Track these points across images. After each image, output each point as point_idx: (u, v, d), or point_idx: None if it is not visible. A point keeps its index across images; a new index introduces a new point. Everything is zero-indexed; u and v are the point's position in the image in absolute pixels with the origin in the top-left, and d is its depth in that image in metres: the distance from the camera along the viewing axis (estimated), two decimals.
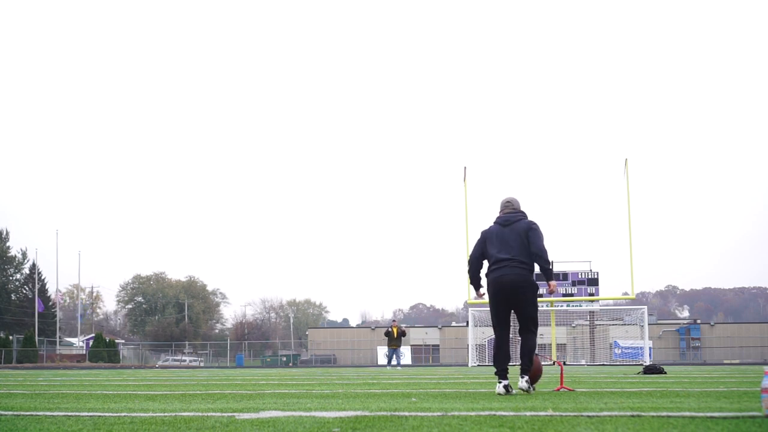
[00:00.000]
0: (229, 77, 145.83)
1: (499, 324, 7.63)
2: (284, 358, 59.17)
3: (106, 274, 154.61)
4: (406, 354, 53.32)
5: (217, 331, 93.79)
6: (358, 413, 4.92)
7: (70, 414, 5.15)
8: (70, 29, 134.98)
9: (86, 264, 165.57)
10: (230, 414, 4.94)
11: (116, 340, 63.07)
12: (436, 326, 70.82)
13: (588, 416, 4.57)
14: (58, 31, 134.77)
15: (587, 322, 48.16)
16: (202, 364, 58.36)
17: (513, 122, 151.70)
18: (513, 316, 7.74)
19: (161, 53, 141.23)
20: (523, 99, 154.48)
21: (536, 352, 7.93)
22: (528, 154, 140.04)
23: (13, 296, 70.58)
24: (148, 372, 25.33)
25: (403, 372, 21.13)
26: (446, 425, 4.15)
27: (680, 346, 61.83)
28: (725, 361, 50.72)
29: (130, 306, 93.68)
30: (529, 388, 7.38)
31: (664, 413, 4.74)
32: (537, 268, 7.70)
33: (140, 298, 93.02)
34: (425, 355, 63.43)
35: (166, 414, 5.08)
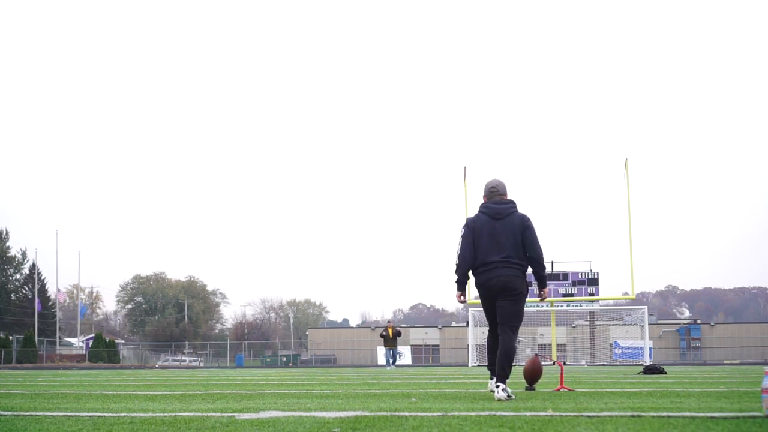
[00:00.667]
0: (229, 77, 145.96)
1: (493, 323, 7.09)
2: (284, 358, 59.17)
3: (106, 274, 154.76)
4: (406, 354, 53.33)
5: (217, 331, 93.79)
6: (358, 413, 4.91)
7: (69, 414, 5.14)
8: (70, 29, 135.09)
9: (86, 264, 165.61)
10: (230, 414, 4.93)
11: (116, 341, 63.05)
12: (436, 326, 70.83)
13: (588, 416, 4.57)
14: (58, 31, 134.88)
15: (587, 322, 48.15)
16: (202, 365, 58.35)
17: (513, 122, 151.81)
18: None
19: (161, 53, 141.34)
20: (524, 99, 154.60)
21: (536, 352, 7.74)
22: (528, 154, 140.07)
23: (12, 296, 70.58)
24: (148, 372, 25.32)
25: (403, 372, 21.12)
26: (446, 425, 4.14)
27: (680, 346, 61.83)
28: (725, 362, 50.70)
29: (130, 306, 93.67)
30: (508, 397, 6.41)
31: (665, 413, 4.74)
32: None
33: (140, 298, 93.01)
34: (425, 355, 63.43)
35: (166, 414, 5.07)
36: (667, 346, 60.56)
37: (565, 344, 51.04)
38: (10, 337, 55.83)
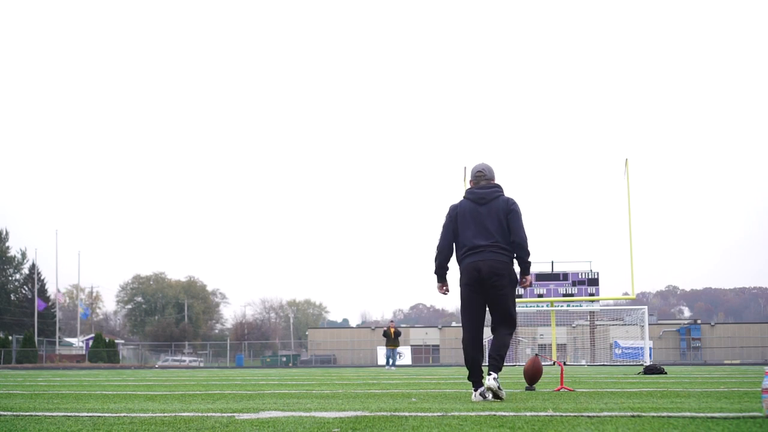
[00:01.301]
0: (228, 77, 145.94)
1: (472, 319, 6.50)
2: (284, 359, 59.16)
3: (106, 274, 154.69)
4: (406, 354, 53.32)
5: (216, 331, 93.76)
6: (358, 413, 4.91)
7: (69, 414, 5.14)
8: (70, 29, 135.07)
9: (86, 264, 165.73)
10: (230, 414, 4.93)
11: (116, 341, 63.04)
12: (436, 326, 70.82)
13: (588, 416, 4.56)
14: (57, 31, 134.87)
15: (587, 323, 48.14)
16: (201, 365, 58.35)
17: (513, 122, 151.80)
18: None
19: (161, 53, 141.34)
20: (524, 99, 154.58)
21: (536, 352, 7.55)
22: (528, 154, 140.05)
23: (12, 296, 70.58)
24: (148, 372, 25.32)
25: (403, 372, 21.11)
26: (446, 425, 4.14)
27: (680, 346, 61.82)
28: (726, 362, 50.70)
29: (129, 306, 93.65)
30: (498, 388, 6.18)
31: (665, 413, 4.74)
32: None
33: (140, 299, 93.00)
34: (425, 355, 63.43)
35: (165, 414, 5.07)
36: (667, 346, 60.56)
37: (565, 344, 51.05)
38: (10, 337, 55.82)
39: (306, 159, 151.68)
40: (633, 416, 4.54)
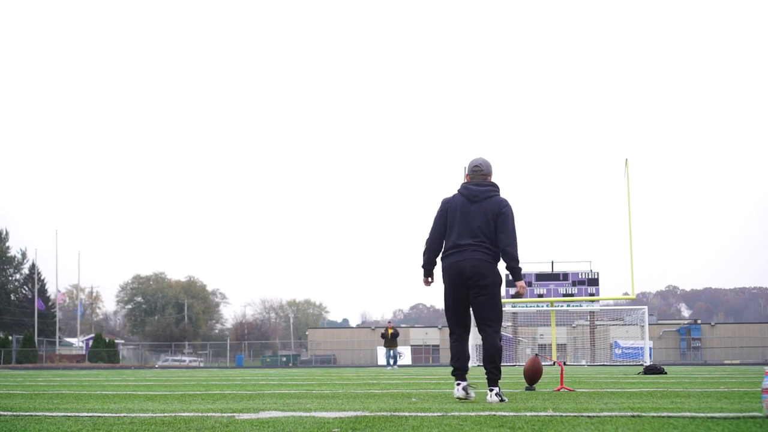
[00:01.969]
0: (228, 77, 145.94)
1: (456, 318, 6.40)
2: (284, 359, 59.16)
3: (106, 274, 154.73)
4: (406, 354, 53.31)
5: (216, 331, 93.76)
6: (358, 413, 4.91)
7: (69, 414, 5.14)
8: (70, 29, 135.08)
9: (86, 264, 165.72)
10: (230, 414, 4.93)
11: (116, 341, 63.05)
12: (436, 326, 70.81)
13: (588, 416, 4.56)
14: (57, 30, 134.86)
15: (587, 323, 48.12)
16: (201, 365, 58.35)
17: (513, 122, 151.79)
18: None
19: (161, 53, 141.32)
20: (524, 99, 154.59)
21: (536, 353, 7.44)
22: (528, 154, 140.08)
23: (12, 296, 70.58)
24: (148, 372, 25.32)
25: (403, 372, 21.11)
26: (446, 425, 4.14)
27: (681, 346, 61.81)
28: (726, 362, 50.70)
29: (129, 306, 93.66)
30: (501, 401, 6.04)
31: (665, 414, 4.74)
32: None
33: (140, 299, 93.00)
34: (425, 355, 63.43)
35: (165, 414, 5.07)
36: (667, 346, 60.55)
37: (565, 344, 51.03)
38: (10, 337, 55.82)
39: (306, 159, 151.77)
40: (633, 416, 4.54)
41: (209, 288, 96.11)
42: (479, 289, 6.24)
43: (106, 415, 5.08)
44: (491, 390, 6.11)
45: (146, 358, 64.84)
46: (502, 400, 6.05)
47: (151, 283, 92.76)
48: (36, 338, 56.65)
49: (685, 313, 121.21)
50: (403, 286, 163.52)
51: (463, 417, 4.56)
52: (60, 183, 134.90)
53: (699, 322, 66.69)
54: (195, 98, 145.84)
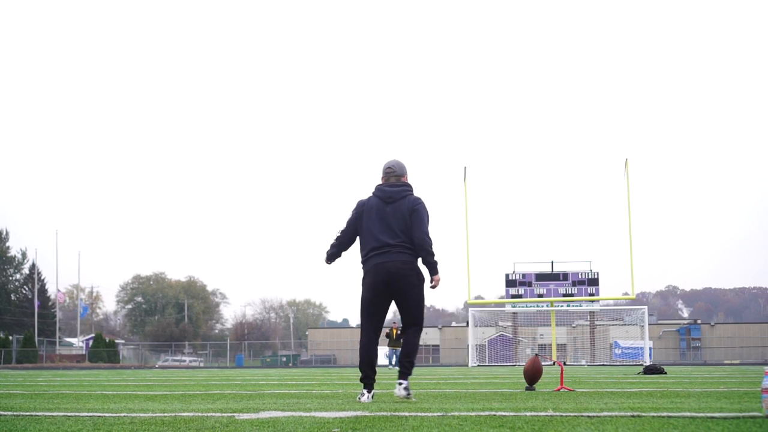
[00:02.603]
0: (228, 77, 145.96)
1: (372, 321, 6.43)
2: (284, 359, 59.16)
3: (106, 274, 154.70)
4: None
5: (216, 331, 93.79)
6: (358, 413, 4.91)
7: (69, 414, 5.14)
8: (70, 29, 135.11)
9: (86, 264, 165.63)
10: (230, 414, 4.93)
11: (116, 341, 63.08)
12: (436, 326, 70.79)
13: (588, 416, 4.57)
14: (57, 30, 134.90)
15: (587, 323, 48.15)
16: (201, 365, 58.36)
17: (513, 122, 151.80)
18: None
19: (161, 53, 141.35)
20: (524, 99, 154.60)
21: (536, 352, 7.45)
22: (528, 154, 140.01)
23: (12, 296, 70.60)
24: (148, 372, 25.33)
25: None
26: (446, 425, 4.14)
27: (680, 346, 61.83)
28: (726, 362, 50.71)
29: (129, 306, 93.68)
30: (408, 395, 6.18)
31: (665, 413, 4.74)
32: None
33: (140, 299, 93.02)
34: (425, 355, 63.41)
35: (166, 414, 5.07)
36: (667, 346, 60.57)
37: (565, 344, 51.03)
38: (10, 337, 55.85)
39: (306, 159, 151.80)
40: (633, 416, 4.54)
41: (209, 288, 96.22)
42: (405, 290, 6.35)
43: (107, 415, 5.08)
44: (400, 384, 6.20)
45: (146, 358, 64.85)
46: (408, 395, 6.16)
47: (151, 283, 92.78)
48: (36, 338, 56.66)
49: (685, 313, 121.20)
50: None
51: (463, 417, 4.56)
52: (60, 183, 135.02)
53: (699, 322, 66.71)
54: (195, 98, 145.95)
